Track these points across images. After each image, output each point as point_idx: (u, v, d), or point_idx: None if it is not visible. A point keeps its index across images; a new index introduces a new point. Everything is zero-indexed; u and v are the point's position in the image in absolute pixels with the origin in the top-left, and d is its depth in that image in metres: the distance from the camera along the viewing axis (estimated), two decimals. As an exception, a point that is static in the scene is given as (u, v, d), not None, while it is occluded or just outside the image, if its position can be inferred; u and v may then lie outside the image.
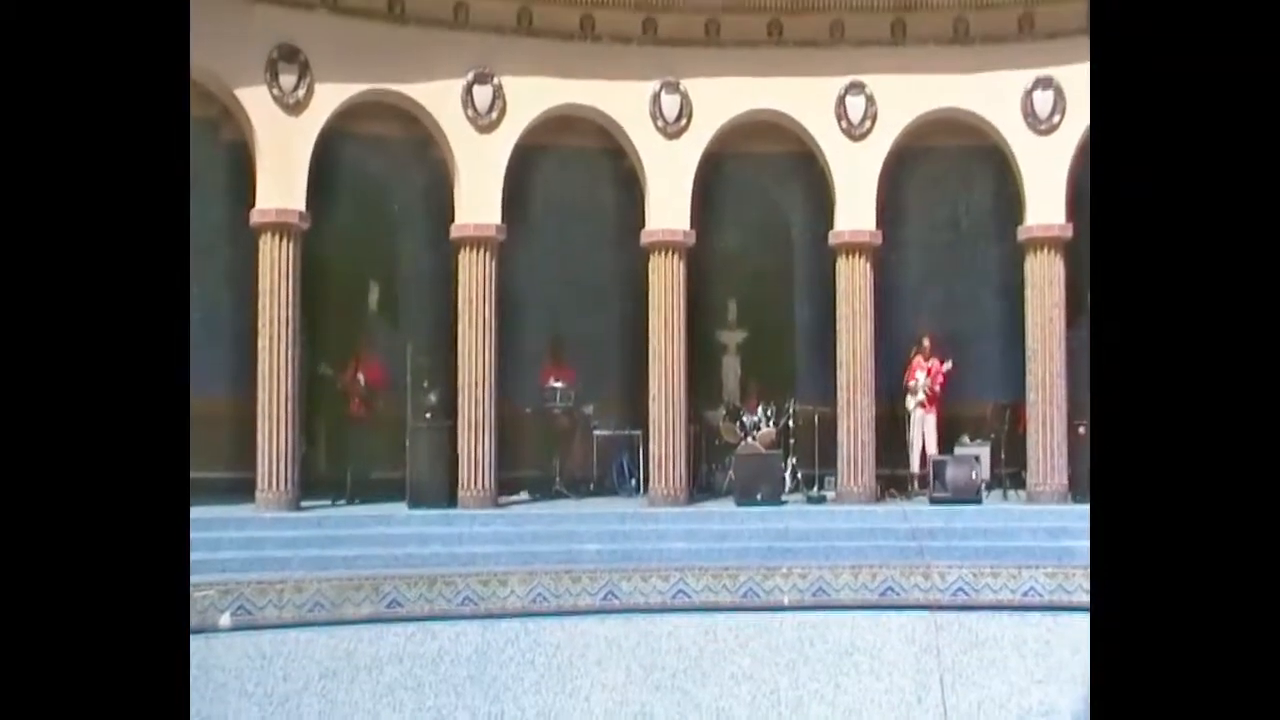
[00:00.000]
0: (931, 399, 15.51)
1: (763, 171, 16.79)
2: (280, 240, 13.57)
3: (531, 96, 14.47)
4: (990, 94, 14.78)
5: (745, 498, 14.38)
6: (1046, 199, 14.69)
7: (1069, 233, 14.54)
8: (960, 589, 12.55)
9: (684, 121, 14.75)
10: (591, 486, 15.64)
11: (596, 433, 15.83)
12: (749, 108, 14.90)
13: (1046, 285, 14.66)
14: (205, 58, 11.43)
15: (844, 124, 14.86)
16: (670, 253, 14.72)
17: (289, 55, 13.65)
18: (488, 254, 14.39)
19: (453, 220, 14.49)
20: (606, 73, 14.63)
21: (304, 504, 13.69)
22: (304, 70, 13.70)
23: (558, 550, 12.88)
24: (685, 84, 14.71)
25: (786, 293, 17.16)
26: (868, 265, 14.91)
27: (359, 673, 11.30)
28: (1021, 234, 14.92)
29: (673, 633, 12.15)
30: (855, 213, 14.88)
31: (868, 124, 14.84)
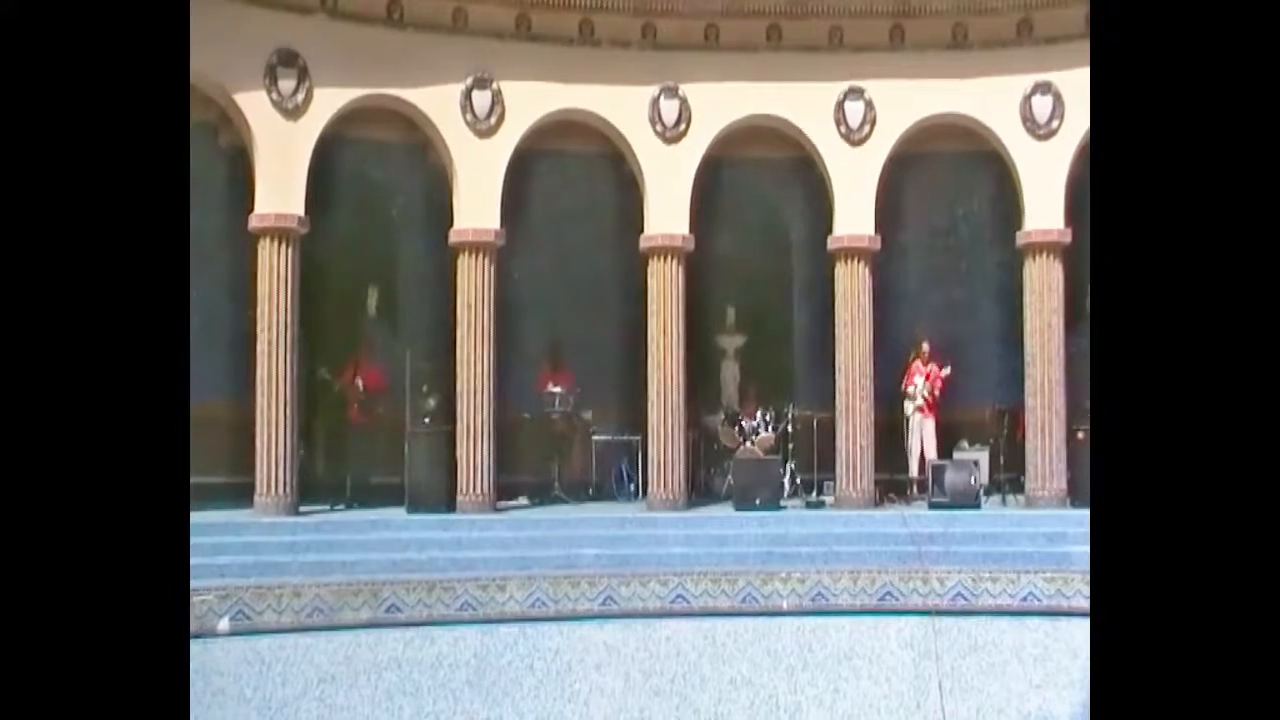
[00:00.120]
0: (930, 404, 15.51)
1: (762, 176, 16.79)
2: (279, 245, 13.57)
3: (530, 101, 14.49)
4: (989, 99, 14.81)
5: (744, 502, 14.37)
6: (1045, 204, 14.71)
7: (1068, 238, 14.56)
8: (959, 594, 12.55)
9: (683, 126, 14.76)
10: (590, 491, 15.64)
11: (595, 438, 15.84)
12: (748, 112, 14.92)
13: (1045, 290, 14.67)
14: (204, 62, 11.43)
15: (843, 129, 14.87)
16: (669, 257, 14.73)
17: (288, 60, 13.67)
18: (487, 259, 14.39)
19: (452, 225, 14.50)
20: (605, 78, 14.65)
21: (303, 509, 13.70)
22: (303, 75, 13.71)
23: (556, 555, 12.87)
24: (684, 89, 14.73)
25: (785, 297, 17.16)
26: (866, 270, 14.92)
27: (357, 678, 11.28)
28: (1020, 239, 14.93)
29: (671, 638, 12.14)
30: (854, 217, 14.89)
31: (867, 129, 14.86)
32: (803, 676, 11.93)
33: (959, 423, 15.71)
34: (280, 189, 13.68)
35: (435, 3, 14.22)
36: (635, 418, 15.35)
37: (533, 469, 15.50)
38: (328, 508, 14.15)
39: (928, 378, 15.50)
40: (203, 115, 13.58)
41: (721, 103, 14.81)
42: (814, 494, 15.28)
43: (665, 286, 14.67)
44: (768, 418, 15.54)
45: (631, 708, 11.43)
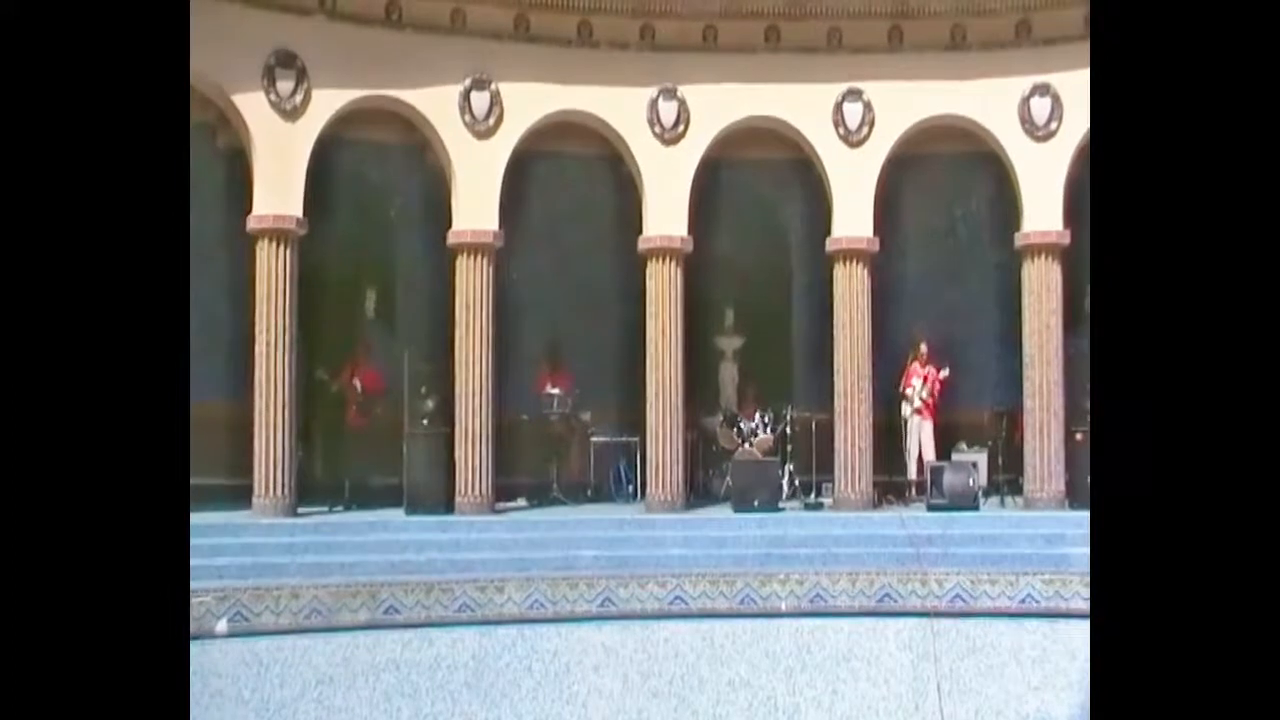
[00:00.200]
0: (928, 406, 15.51)
1: (760, 177, 16.80)
2: (277, 246, 13.57)
3: (529, 102, 14.49)
4: (987, 100, 14.81)
5: (742, 504, 14.36)
6: (1044, 205, 14.72)
7: (1066, 239, 14.56)
8: (957, 595, 12.54)
9: (681, 127, 14.76)
10: (589, 493, 15.65)
11: (594, 439, 15.85)
12: (746, 114, 14.92)
13: (1044, 292, 14.67)
14: (202, 63, 11.38)
15: (841, 130, 14.88)
16: (668, 259, 14.73)
17: (286, 61, 13.67)
18: (485, 260, 14.39)
19: (450, 226, 14.49)
20: (604, 79, 14.65)
21: (301, 510, 13.70)
22: (301, 76, 13.71)
23: (555, 557, 12.87)
24: (683, 90, 14.73)
25: (784, 299, 17.16)
26: (865, 271, 14.92)
27: (356, 679, 11.27)
28: (1019, 240, 14.93)
29: (670, 639, 12.14)
30: (852, 219, 14.90)
31: (865, 130, 14.86)
32: (801, 678, 11.92)
33: (957, 424, 15.71)
34: (278, 190, 13.68)
35: (434, 4, 14.21)
36: (634, 419, 15.35)
37: (531, 470, 15.49)
38: (326, 509, 14.15)
39: (925, 379, 15.50)
40: (201, 116, 13.57)
41: (720, 104, 14.81)
42: (812, 495, 15.27)
43: (664, 288, 14.67)
44: (766, 419, 15.55)
45: (630, 709, 11.42)
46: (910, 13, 14.79)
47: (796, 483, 15.46)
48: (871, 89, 14.82)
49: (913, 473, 15.52)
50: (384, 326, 16.00)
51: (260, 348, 13.44)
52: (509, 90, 14.40)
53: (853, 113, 14.85)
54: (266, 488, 13.34)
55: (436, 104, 14.31)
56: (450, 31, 14.31)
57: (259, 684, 10.98)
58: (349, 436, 14.80)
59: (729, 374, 16.54)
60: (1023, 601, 12.49)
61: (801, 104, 14.90)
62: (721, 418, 15.94)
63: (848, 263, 14.91)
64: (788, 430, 15.58)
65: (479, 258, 14.36)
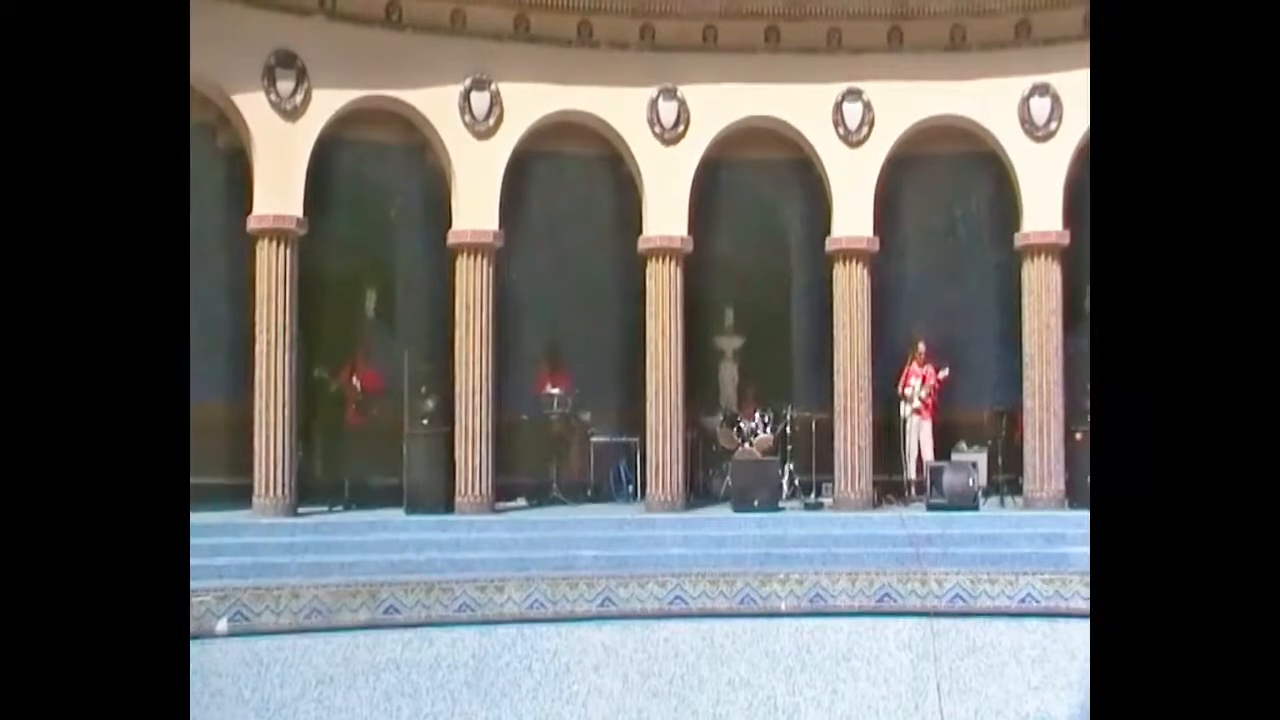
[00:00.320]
0: (927, 406, 15.52)
1: (760, 177, 16.80)
2: (277, 246, 13.57)
3: (529, 102, 14.49)
4: (987, 101, 14.81)
5: (742, 504, 14.36)
6: (1043, 206, 14.72)
7: (1066, 239, 14.56)
8: (957, 595, 12.54)
9: (681, 128, 14.77)
10: (589, 492, 15.65)
11: (594, 439, 15.85)
12: (746, 114, 14.92)
13: (1043, 292, 14.68)
14: (202, 63, 11.37)
15: (841, 130, 14.88)
16: (668, 259, 14.73)
17: (286, 61, 13.67)
18: (485, 260, 14.39)
19: (450, 226, 14.50)
20: (604, 79, 14.65)
21: (301, 510, 13.70)
22: (301, 76, 13.71)
23: (555, 556, 12.87)
24: (683, 90, 14.73)
25: (784, 299, 17.16)
26: (865, 271, 14.92)
27: (356, 679, 11.28)
28: (1018, 240, 14.94)
29: (670, 639, 12.14)
30: (852, 219, 14.90)
31: (865, 130, 14.86)
32: (801, 678, 11.93)
33: (957, 424, 15.72)
34: (278, 190, 13.68)
35: (434, 4, 14.21)
36: (634, 419, 15.35)
37: (531, 470, 15.49)
38: (326, 509, 14.15)
39: (924, 379, 15.50)
40: (201, 116, 13.57)
41: (720, 104, 14.81)
42: (812, 495, 15.27)
43: (664, 288, 14.68)
44: (766, 419, 15.55)
45: (630, 709, 11.43)
46: (910, 13, 14.79)
47: (796, 482, 15.47)
48: (871, 89, 14.83)
49: (912, 472, 15.52)
50: (384, 326, 16.00)
51: (260, 348, 13.44)
52: (509, 90, 14.40)
53: (852, 113, 14.85)
54: (266, 487, 13.34)
55: (436, 104, 14.31)
56: (450, 32, 14.32)
57: (259, 684, 10.98)
58: (349, 436, 14.79)
59: (729, 374, 16.55)
60: (1022, 601, 12.50)
61: (801, 104, 14.90)
62: (721, 417, 15.94)
63: (847, 263, 14.91)
64: (787, 430, 15.58)
65: (479, 258, 14.36)
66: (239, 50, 13.41)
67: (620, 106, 14.75)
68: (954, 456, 15.19)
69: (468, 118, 14.32)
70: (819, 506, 14.97)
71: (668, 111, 14.73)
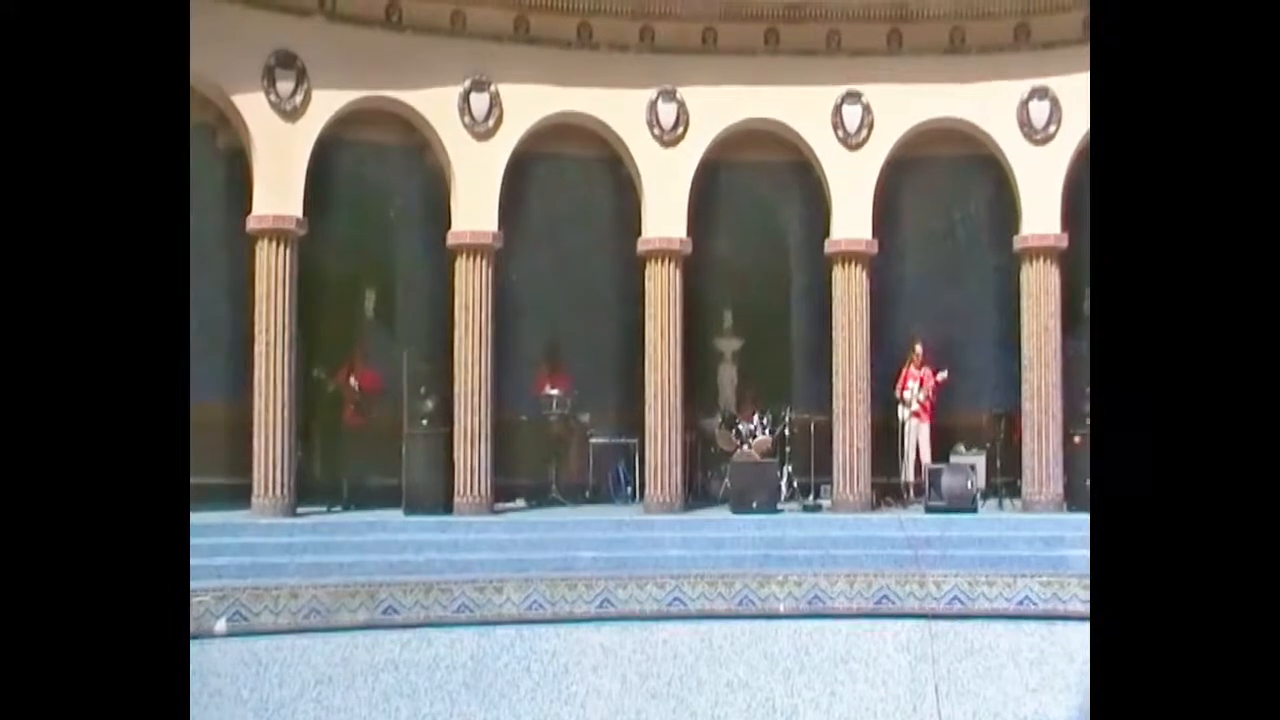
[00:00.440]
0: (925, 409, 15.52)
1: (759, 180, 16.81)
2: (277, 247, 13.57)
3: (529, 104, 14.50)
4: (986, 104, 14.82)
5: (741, 505, 14.36)
6: (1042, 209, 14.73)
7: (1064, 242, 14.57)
8: (955, 597, 12.54)
9: (681, 129, 14.77)
10: (587, 494, 15.64)
11: (593, 440, 15.85)
12: (745, 116, 14.93)
13: (1042, 294, 14.69)
14: (202, 63, 11.36)
15: (840, 133, 14.89)
16: (667, 261, 14.74)
17: (286, 61, 13.67)
18: (484, 261, 14.40)
19: (450, 227, 14.50)
20: (603, 81, 14.66)
21: (300, 510, 13.70)
22: (301, 76, 13.72)
23: (554, 557, 12.87)
24: (682, 92, 14.74)
25: (782, 301, 17.17)
26: (863, 274, 14.93)
27: (354, 679, 11.28)
28: (1017, 243, 14.94)
29: (668, 640, 12.14)
30: (851, 221, 14.91)
31: (864, 133, 14.87)
32: (799, 679, 11.93)
33: (956, 427, 15.72)
34: (278, 190, 13.69)
35: (434, 5, 14.22)
36: (632, 420, 15.36)
37: (530, 471, 15.49)
38: (325, 509, 14.16)
39: (922, 382, 15.51)
40: (201, 117, 13.59)
41: (719, 106, 14.82)
42: (811, 497, 15.27)
43: (663, 289, 14.68)
44: (765, 421, 15.55)
45: (628, 710, 11.43)
46: (909, 16, 14.80)
47: (795, 484, 15.46)
48: (870, 92, 14.83)
49: (910, 475, 15.52)
50: (383, 327, 16.00)
51: (260, 348, 13.45)
52: (509, 92, 14.41)
53: (852, 115, 14.86)
54: (266, 488, 13.35)
55: (436, 105, 14.32)
56: (450, 33, 14.33)
57: (258, 684, 10.98)
58: (348, 437, 14.79)
59: (728, 375, 16.55)
60: (1020, 603, 12.50)
61: (801, 106, 14.91)
62: (720, 419, 15.95)
63: (846, 265, 14.92)
64: (786, 432, 15.58)
65: (478, 259, 14.37)
66: (239, 51, 13.42)
67: (620, 108, 14.76)
68: (952, 459, 15.20)
69: (467, 119, 14.33)
70: (817, 508, 14.97)
71: (667, 113, 14.74)
